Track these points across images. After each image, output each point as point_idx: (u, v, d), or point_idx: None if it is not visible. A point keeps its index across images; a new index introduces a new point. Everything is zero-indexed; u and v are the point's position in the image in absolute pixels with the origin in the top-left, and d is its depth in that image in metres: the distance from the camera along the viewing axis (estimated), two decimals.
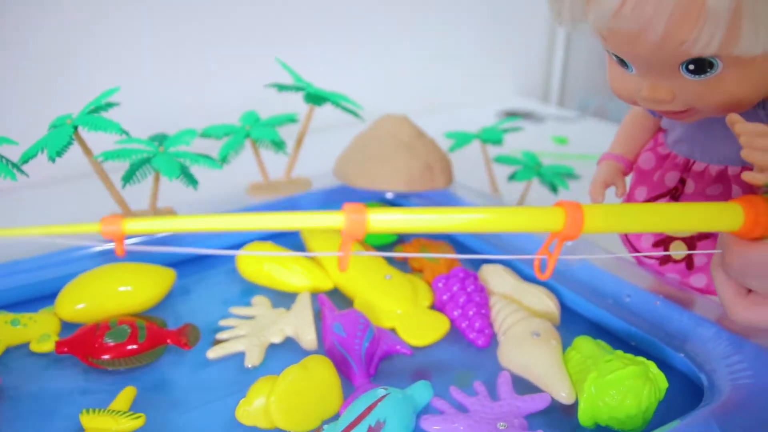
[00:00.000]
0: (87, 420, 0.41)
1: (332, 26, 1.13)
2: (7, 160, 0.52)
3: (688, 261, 0.51)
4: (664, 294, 0.50)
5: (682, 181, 0.49)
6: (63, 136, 0.54)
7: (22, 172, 0.53)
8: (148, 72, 0.96)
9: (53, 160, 0.53)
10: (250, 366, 0.48)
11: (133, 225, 0.31)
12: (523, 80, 1.43)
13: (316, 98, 0.66)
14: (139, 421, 0.42)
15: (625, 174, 0.53)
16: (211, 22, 1.00)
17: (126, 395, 0.44)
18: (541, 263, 0.36)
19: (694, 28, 0.33)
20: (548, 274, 0.35)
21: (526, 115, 1.25)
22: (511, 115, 1.24)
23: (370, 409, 0.38)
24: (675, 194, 0.50)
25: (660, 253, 0.52)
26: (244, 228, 0.32)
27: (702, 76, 0.37)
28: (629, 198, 0.52)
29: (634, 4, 0.34)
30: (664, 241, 0.51)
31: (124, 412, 0.42)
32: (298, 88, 0.67)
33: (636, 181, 0.52)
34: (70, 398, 0.45)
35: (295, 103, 0.71)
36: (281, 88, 0.68)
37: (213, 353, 0.49)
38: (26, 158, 0.54)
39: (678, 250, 0.51)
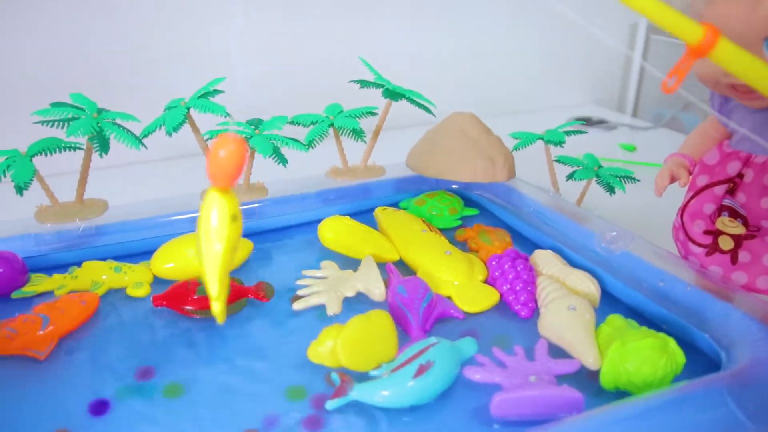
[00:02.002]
0: None
1: (414, 24, 1.22)
2: (133, 134, 0.62)
3: (733, 255, 0.55)
4: (702, 285, 0.53)
5: (740, 176, 0.53)
6: (178, 115, 0.63)
7: (143, 145, 0.63)
8: (247, 65, 1.09)
9: (170, 135, 0.62)
10: (332, 314, 0.55)
11: None
12: (599, 91, 1.47)
13: (394, 94, 0.73)
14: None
15: (689, 171, 0.58)
16: (301, 24, 1.10)
17: None
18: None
19: None
20: (674, 89, 0.38)
21: (599, 123, 1.29)
22: (579, 119, 1.27)
23: (422, 352, 0.45)
24: (732, 187, 0.54)
25: None
26: None
27: None
28: (691, 185, 0.57)
29: None
30: (713, 232, 0.56)
31: None
32: (378, 85, 0.74)
33: (699, 171, 0.57)
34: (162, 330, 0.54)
35: (374, 99, 0.78)
36: (363, 84, 0.75)
37: (297, 305, 0.56)
38: (147, 132, 0.64)
39: (725, 244, 0.55)
